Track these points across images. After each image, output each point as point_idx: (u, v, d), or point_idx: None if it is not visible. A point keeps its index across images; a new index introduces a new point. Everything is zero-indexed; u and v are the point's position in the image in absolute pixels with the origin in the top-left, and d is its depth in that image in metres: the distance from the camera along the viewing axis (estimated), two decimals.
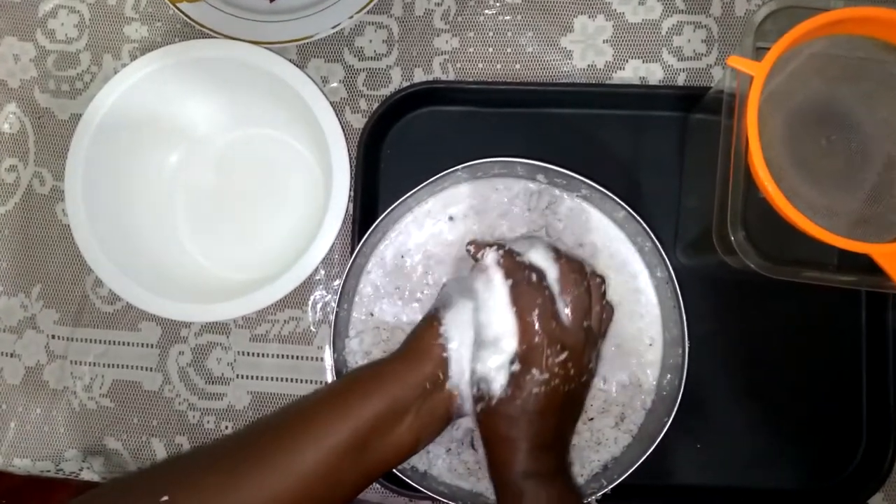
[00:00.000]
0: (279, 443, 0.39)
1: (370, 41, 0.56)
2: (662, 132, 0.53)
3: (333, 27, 0.52)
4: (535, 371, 0.39)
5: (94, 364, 0.55)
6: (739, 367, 0.52)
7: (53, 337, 0.56)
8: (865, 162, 0.40)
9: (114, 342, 0.56)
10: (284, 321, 0.55)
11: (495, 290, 0.41)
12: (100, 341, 0.56)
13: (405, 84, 0.55)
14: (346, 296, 0.49)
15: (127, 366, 0.55)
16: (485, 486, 0.47)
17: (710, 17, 0.54)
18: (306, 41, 0.52)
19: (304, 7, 0.53)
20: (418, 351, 0.42)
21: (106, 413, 0.55)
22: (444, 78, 0.55)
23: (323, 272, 0.54)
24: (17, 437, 0.56)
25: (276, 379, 0.54)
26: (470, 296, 0.42)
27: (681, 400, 0.45)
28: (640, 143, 0.53)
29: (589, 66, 0.55)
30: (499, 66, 0.55)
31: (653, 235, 0.46)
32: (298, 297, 0.54)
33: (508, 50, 0.55)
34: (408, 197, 0.47)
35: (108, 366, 0.55)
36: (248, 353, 0.55)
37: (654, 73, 0.54)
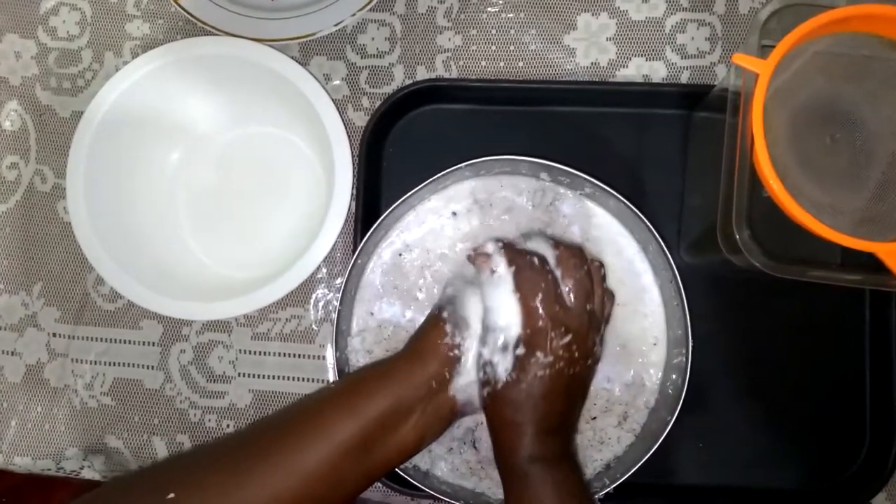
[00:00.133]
0: (283, 441, 0.39)
1: (373, 39, 0.56)
2: (665, 130, 0.53)
3: (336, 24, 0.52)
4: (539, 354, 0.40)
5: (95, 362, 0.55)
6: (742, 365, 0.52)
7: (54, 335, 0.56)
8: (870, 160, 0.39)
9: (115, 340, 0.55)
10: (286, 319, 0.54)
11: (499, 277, 0.41)
12: (101, 339, 0.56)
13: (408, 82, 0.55)
14: (349, 294, 0.48)
15: (128, 364, 0.55)
16: (487, 486, 0.47)
17: (713, 15, 0.54)
18: (309, 38, 0.52)
19: (307, 4, 0.53)
20: (423, 350, 0.42)
21: (107, 411, 0.55)
22: (446, 76, 0.55)
23: (325, 270, 0.54)
24: (17, 436, 0.55)
25: (278, 377, 0.54)
26: (474, 289, 0.43)
27: (683, 399, 0.45)
28: (644, 141, 0.53)
29: (592, 63, 0.54)
30: (502, 64, 0.55)
31: (657, 234, 0.46)
32: (300, 295, 0.54)
33: (511, 48, 0.55)
34: (411, 195, 0.47)
35: (110, 364, 0.55)
36: (250, 352, 0.55)
37: (657, 71, 0.54)
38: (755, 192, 0.39)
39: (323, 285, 0.54)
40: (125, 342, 0.55)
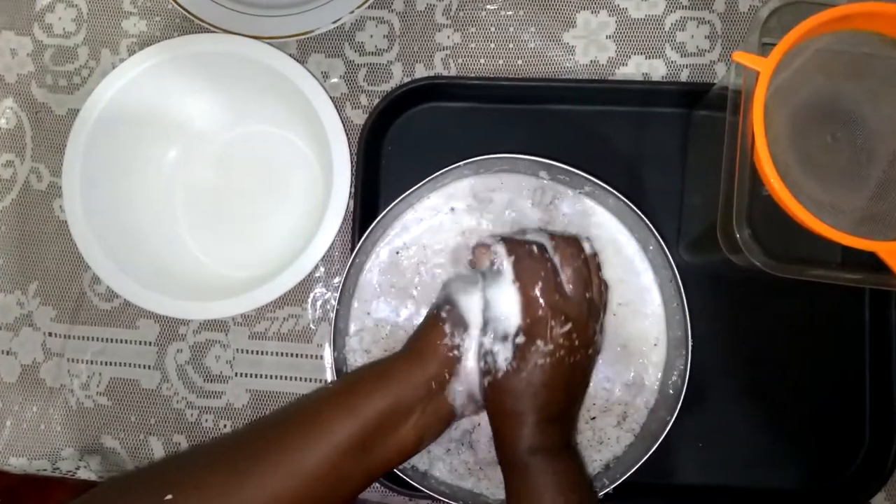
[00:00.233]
0: (282, 441, 0.39)
1: (371, 36, 0.55)
2: (665, 129, 0.53)
3: (334, 22, 0.51)
4: (539, 343, 0.40)
5: (92, 362, 0.55)
6: (742, 365, 0.51)
7: (50, 334, 0.56)
8: (871, 158, 0.39)
9: (111, 340, 0.55)
10: (284, 319, 0.54)
11: (498, 268, 0.41)
12: (97, 339, 0.55)
13: (406, 80, 0.55)
14: (347, 293, 0.48)
15: (124, 364, 0.55)
16: (485, 486, 0.47)
17: (713, 13, 0.54)
18: (307, 36, 0.52)
19: (305, 2, 0.52)
20: (423, 351, 0.42)
21: (103, 411, 0.55)
22: (445, 73, 0.55)
23: (323, 269, 0.54)
24: (12, 436, 0.55)
25: (276, 377, 0.54)
26: (473, 286, 0.43)
27: (683, 398, 0.45)
28: (643, 139, 0.53)
29: (591, 61, 0.54)
30: (501, 62, 0.55)
31: (657, 234, 0.46)
32: (298, 294, 0.54)
33: (510, 45, 0.55)
34: (410, 193, 0.47)
35: (106, 364, 0.55)
36: (248, 351, 0.54)
37: (657, 70, 0.54)
38: (755, 191, 0.39)
39: (321, 284, 0.54)
40: (121, 342, 0.55)
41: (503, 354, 0.40)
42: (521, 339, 0.40)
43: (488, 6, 0.55)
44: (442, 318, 0.42)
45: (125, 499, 0.38)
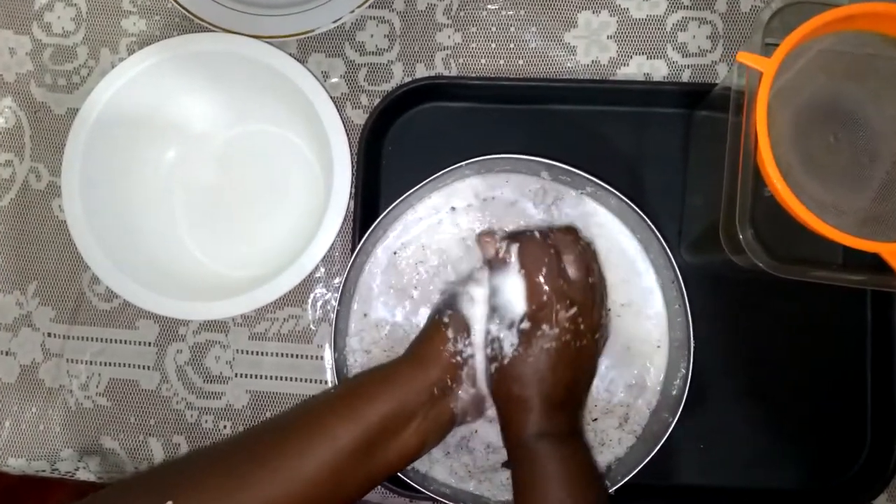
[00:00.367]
0: (285, 445, 0.39)
1: (371, 36, 0.55)
2: (666, 129, 0.53)
3: (334, 21, 0.51)
4: (545, 327, 0.40)
5: (91, 362, 0.55)
6: (743, 366, 0.51)
7: (49, 335, 0.55)
8: (874, 159, 0.39)
9: (111, 340, 0.55)
10: (284, 319, 0.54)
11: (503, 256, 0.42)
12: (96, 339, 0.55)
13: (407, 79, 0.54)
14: (347, 293, 0.48)
15: (124, 364, 0.55)
16: (486, 489, 0.47)
17: (715, 14, 0.54)
18: (307, 35, 0.51)
19: (305, 1, 0.52)
20: (425, 356, 0.42)
21: (102, 412, 0.54)
22: (446, 73, 0.55)
23: (323, 270, 0.54)
24: (11, 437, 0.55)
25: (276, 378, 0.54)
26: (475, 284, 0.43)
27: (685, 399, 0.45)
28: (644, 140, 0.53)
29: (593, 61, 0.54)
30: (502, 62, 0.55)
31: (659, 235, 0.46)
32: (298, 295, 0.54)
33: (511, 45, 0.55)
34: (411, 193, 0.47)
35: (105, 364, 0.55)
36: (247, 352, 0.54)
37: (658, 70, 0.54)
38: (758, 192, 0.39)
39: (321, 285, 0.54)
40: (121, 342, 0.55)
41: (509, 340, 0.40)
42: (526, 325, 0.40)
43: (489, 6, 0.55)
44: (444, 322, 0.42)
45: (126, 500, 0.38)
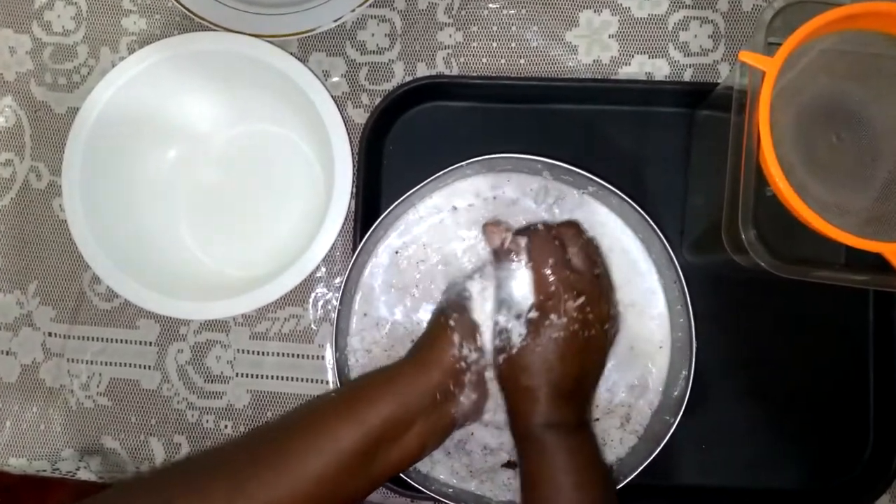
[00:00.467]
0: (288, 447, 0.38)
1: (372, 35, 0.55)
2: (668, 128, 0.52)
3: (335, 20, 0.51)
4: (553, 317, 0.40)
5: (92, 362, 0.55)
6: (745, 366, 0.51)
7: (50, 334, 0.55)
8: (876, 159, 0.39)
9: (111, 340, 0.55)
10: (285, 319, 0.54)
11: (510, 248, 0.42)
12: (97, 339, 0.55)
13: (408, 79, 0.54)
14: (348, 293, 0.48)
15: (125, 364, 0.55)
16: (488, 489, 0.47)
17: (717, 13, 0.54)
18: (308, 34, 0.51)
19: (306, 0, 0.52)
20: (429, 360, 0.42)
21: (103, 412, 0.54)
22: (447, 73, 0.55)
23: (324, 269, 0.54)
24: (12, 437, 0.55)
25: (277, 377, 0.54)
26: (481, 281, 0.43)
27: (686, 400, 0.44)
28: (646, 139, 0.53)
29: (594, 61, 0.54)
30: (503, 61, 0.54)
31: (661, 235, 0.45)
32: (299, 294, 0.54)
33: (513, 44, 0.54)
34: (412, 193, 0.47)
35: (106, 364, 0.55)
36: (248, 352, 0.54)
37: (660, 69, 0.54)
38: (760, 192, 0.38)
39: (322, 284, 0.54)
40: (122, 342, 0.55)
41: (517, 331, 0.40)
42: (534, 315, 0.40)
43: (490, 5, 0.55)
44: (451, 326, 0.42)
45: (126, 503, 0.38)
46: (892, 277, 0.37)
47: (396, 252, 0.49)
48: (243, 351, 0.54)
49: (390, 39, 0.55)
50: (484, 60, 0.55)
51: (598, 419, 0.47)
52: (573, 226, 0.45)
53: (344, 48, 0.55)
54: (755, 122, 0.37)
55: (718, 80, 0.53)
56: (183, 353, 0.54)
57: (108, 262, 0.50)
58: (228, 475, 0.38)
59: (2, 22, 0.58)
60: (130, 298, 0.50)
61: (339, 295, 0.47)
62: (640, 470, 0.44)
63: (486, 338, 0.42)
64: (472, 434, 0.47)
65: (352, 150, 0.50)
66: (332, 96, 0.50)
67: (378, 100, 0.53)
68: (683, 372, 0.45)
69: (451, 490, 0.46)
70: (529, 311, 0.40)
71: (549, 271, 0.41)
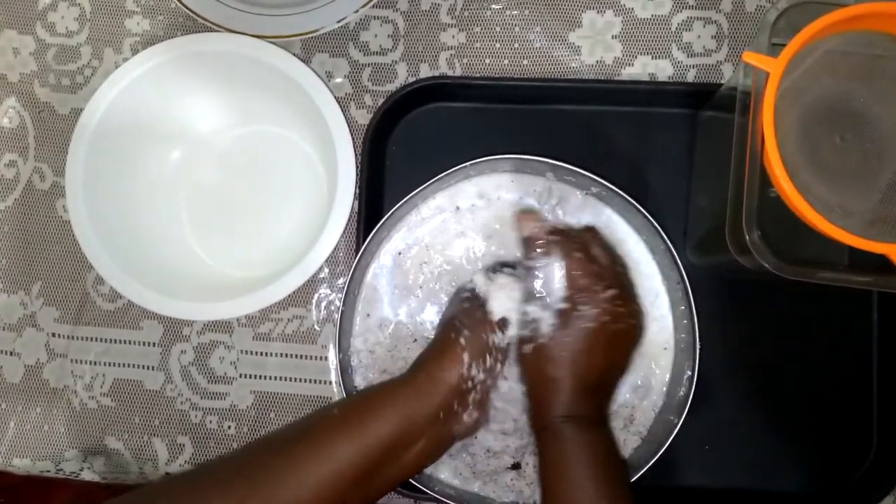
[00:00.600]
0: (286, 464, 0.38)
1: (375, 36, 0.55)
2: (671, 129, 0.52)
3: (338, 21, 0.51)
4: (583, 307, 0.40)
5: (95, 363, 0.55)
6: (748, 367, 0.51)
7: (54, 335, 0.55)
8: (881, 161, 0.39)
9: (115, 341, 0.55)
10: (288, 320, 0.54)
11: (542, 238, 0.42)
12: (101, 340, 0.55)
13: (411, 79, 0.54)
14: (352, 294, 0.48)
15: (128, 364, 0.55)
16: (491, 489, 0.47)
17: (720, 13, 0.54)
18: (311, 35, 0.51)
19: (309, 1, 0.52)
20: (436, 378, 0.41)
21: (107, 412, 0.54)
22: (450, 73, 0.55)
23: (327, 270, 0.54)
24: (16, 437, 0.55)
25: (280, 378, 0.54)
26: (500, 285, 0.43)
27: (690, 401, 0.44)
28: (649, 140, 0.53)
29: (597, 61, 0.54)
30: (506, 62, 0.54)
31: (665, 236, 0.45)
32: (302, 295, 0.54)
33: (516, 45, 0.54)
34: (415, 194, 0.47)
35: (109, 364, 0.55)
36: (252, 352, 0.54)
37: (663, 70, 0.54)
38: (763, 193, 0.38)
39: (325, 285, 0.54)
40: (125, 342, 0.55)
41: (547, 321, 0.41)
42: (565, 305, 0.41)
43: (493, 6, 0.55)
44: (461, 344, 0.41)
45: None
46: None
47: (400, 253, 0.49)
48: (246, 352, 0.54)
49: (393, 40, 0.55)
50: (487, 61, 0.55)
51: None
52: (590, 230, 0.46)
53: (347, 49, 0.55)
54: (759, 123, 0.37)
55: (722, 81, 0.53)
56: (186, 353, 0.54)
57: (112, 263, 0.50)
58: (226, 492, 0.38)
59: (5, 23, 0.58)
60: (134, 299, 0.50)
61: (342, 296, 0.47)
62: (643, 471, 0.44)
63: (511, 331, 0.42)
64: (476, 437, 0.47)
65: (355, 151, 0.50)
66: (335, 97, 0.50)
67: (381, 101, 0.53)
68: (687, 373, 0.45)
69: (453, 491, 0.46)
70: (560, 301, 0.41)
71: (582, 263, 0.41)
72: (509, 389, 0.45)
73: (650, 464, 0.44)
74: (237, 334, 0.54)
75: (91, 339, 0.55)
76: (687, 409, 0.44)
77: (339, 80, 0.55)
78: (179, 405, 0.54)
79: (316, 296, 0.54)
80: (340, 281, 0.54)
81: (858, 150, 0.39)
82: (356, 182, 0.49)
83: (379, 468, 0.39)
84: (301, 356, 0.54)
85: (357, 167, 0.50)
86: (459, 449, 0.47)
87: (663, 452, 0.44)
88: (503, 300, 0.43)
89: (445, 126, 0.54)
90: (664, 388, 0.47)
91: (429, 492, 0.45)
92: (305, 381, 0.54)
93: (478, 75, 0.54)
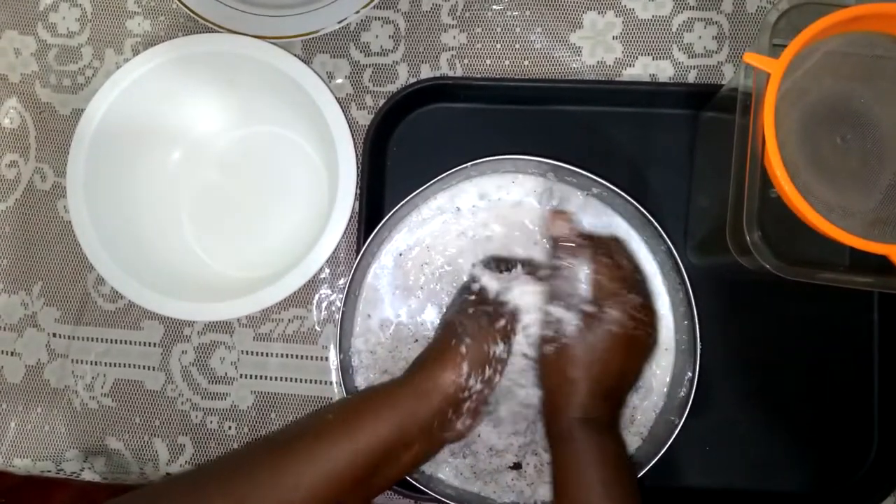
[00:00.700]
0: (281, 467, 0.38)
1: (376, 36, 0.55)
2: (672, 130, 0.52)
3: (339, 22, 0.51)
4: (609, 311, 0.41)
5: (96, 363, 0.55)
6: (749, 368, 0.51)
7: (54, 335, 0.55)
8: (881, 161, 0.39)
9: (116, 341, 0.55)
10: (289, 320, 0.54)
11: (570, 240, 0.43)
12: (101, 340, 0.55)
13: (412, 80, 0.54)
14: (352, 294, 0.48)
15: (129, 365, 0.55)
16: (492, 490, 0.47)
17: (721, 14, 0.54)
18: (312, 36, 0.51)
19: (310, 1, 0.52)
20: (433, 386, 0.41)
21: (107, 413, 0.54)
22: (451, 74, 0.55)
23: (328, 271, 0.54)
24: (17, 437, 0.55)
25: (281, 379, 0.54)
26: (523, 287, 0.43)
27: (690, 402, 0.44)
28: (650, 140, 0.53)
29: (598, 62, 0.54)
30: (507, 63, 0.54)
31: (665, 237, 0.45)
32: (303, 296, 0.54)
33: (517, 46, 0.54)
34: (416, 194, 0.47)
35: (110, 365, 0.55)
36: (252, 353, 0.54)
37: (664, 71, 0.54)
38: (764, 193, 0.38)
39: (326, 286, 0.54)
40: (126, 343, 0.55)
41: (572, 322, 0.41)
42: (590, 308, 0.41)
43: (494, 6, 0.55)
44: (461, 353, 0.41)
45: None
46: None
47: (400, 254, 0.49)
48: (247, 352, 0.54)
49: (394, 41, 0.55)
50: (488, 62, 0.55)
51: None
52: (616, 239, 0.47)
53: (348, 50, 0.55)
54: (760, 123, 0.37)
55: (723, 82, 0.53)
56: (187, 354, 0.54)
57: (113, 264, 0.50)
58: (224, 491, 0.38)
59: (7, 24, 0.58)
60: (134, 299, 0.50)
61: (342, 296, 0.47)
62: (644, 471, 0.44)
63: (532, 330, 0.42)
64: (479, 435, 0.47)
65: (356, 151, 0.50)
66: (335, 98, 0.50)
67: (382, 101, 0.53)
68: (688, 374, 0.45)
69: (453, 491, 0.46)
70: (586, 303, 0.41)
71: (610, 268, 0.42)
72: (526, 395, 0.45)
73: (651, 464, 0.44)
74: (238, 335, 0.54)
75: (92, 340, 0.55)
76: (688, 410, 0.44)
77: (339, 80, 0.55)
78: (180, 405, 0.54)
79: (317, 296, 0.54)
80: (341, 281, 0.54)
81: (859, 150, 0.39)
82: (357, 183, 0.49)
83: (376, 469, 0.39)
84: (302, 357, 0.54)
85: (358, 168, 0.50)
86: (461, 449, 0.47)
87: (664, 453, 0.44)
88: (524, 298, 0.43)
89: (446, 127, 0.54)
90: (665, 389, 0.47)
91: (429, 492, 0.45)
92: (306, 381, 0.54)
93: (479, 76, 0.54)
